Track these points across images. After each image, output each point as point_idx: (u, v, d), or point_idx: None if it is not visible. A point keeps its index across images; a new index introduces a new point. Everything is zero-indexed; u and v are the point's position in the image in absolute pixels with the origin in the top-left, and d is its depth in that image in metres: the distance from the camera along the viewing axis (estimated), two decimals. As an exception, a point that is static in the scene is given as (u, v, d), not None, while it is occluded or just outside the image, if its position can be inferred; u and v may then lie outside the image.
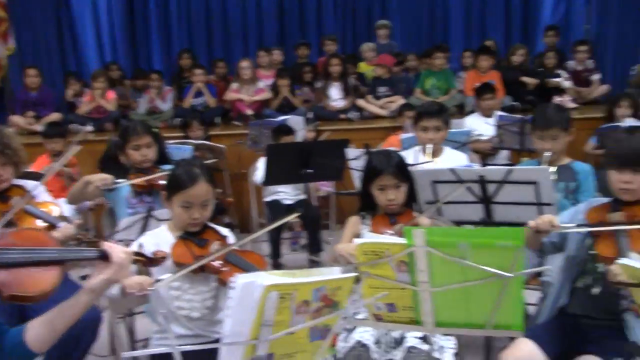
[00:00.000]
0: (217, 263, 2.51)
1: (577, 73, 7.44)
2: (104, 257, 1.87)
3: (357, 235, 2.76)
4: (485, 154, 5.72)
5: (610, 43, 8.47)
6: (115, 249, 1.89)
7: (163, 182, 3.15)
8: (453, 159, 3.87)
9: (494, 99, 6.05)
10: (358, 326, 2.64)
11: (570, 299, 2.64)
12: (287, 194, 5.29)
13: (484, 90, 6.03)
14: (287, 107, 7.01)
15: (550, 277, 2.74)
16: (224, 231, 2.68)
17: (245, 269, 2.48)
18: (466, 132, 4.80)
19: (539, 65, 7.57)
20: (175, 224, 2.64)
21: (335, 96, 7.15)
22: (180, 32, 9.11)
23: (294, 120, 5.90)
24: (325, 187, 5.64)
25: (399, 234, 2.55)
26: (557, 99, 6.74)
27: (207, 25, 9.15)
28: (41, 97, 7.14)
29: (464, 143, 4.46)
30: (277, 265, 5.07)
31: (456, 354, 2.63)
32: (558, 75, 7.21)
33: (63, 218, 3.04)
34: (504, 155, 5.76)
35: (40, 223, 2.94)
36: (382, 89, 7.18)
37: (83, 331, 2.85)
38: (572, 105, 6.86)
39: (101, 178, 3.37)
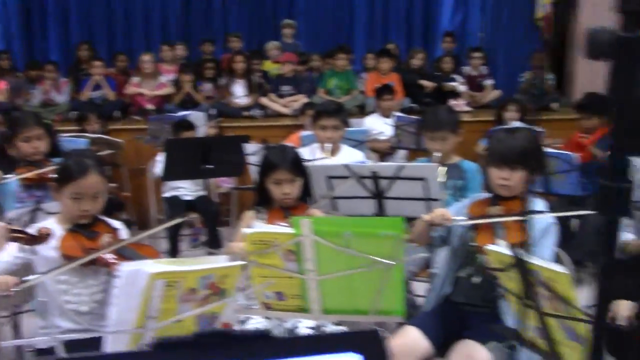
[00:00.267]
0: (109, 256, 2.46)
1: (471, 78, 7.77)
2: None
3: (251, 229, 2.79)
4: (383, 153, 5.89)
5: (501, 51, 8.97)
6: None
7: (54, 175, 3.06)
8: (350, 157, 3.97)
9: (393, 100, 6.26)
10: (251, 317, 2.68)
11: (454, 288, 2.78)
12: (186, 189, 5.23)
13: (384, 91, 6.22)
14: (190, 103, 6.92)
15: (437, 268, 2.89)
16: (115, 224, 2.64)
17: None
18: (364, 131, 4.94)
19: (437, 70, 7.86)
20: (65, 217, 2.58)
21: (239, 93, 7.14)
22: (80, 24, 8.82)
23: (195, 116, 5.83)
24: (226, 184, 5.63)
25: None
26: (452, 102, 7.03)
27: (108, 18, 8.92)
28: None
29: (361, 142, 4.58)
30: (175, 262, 4.99)
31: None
32: (454, 80, 7.51)
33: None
34: (401, 154, 5.94)
35: None
36: (285, 88, 7.23)
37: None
38: (467, 108, 7.17)
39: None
